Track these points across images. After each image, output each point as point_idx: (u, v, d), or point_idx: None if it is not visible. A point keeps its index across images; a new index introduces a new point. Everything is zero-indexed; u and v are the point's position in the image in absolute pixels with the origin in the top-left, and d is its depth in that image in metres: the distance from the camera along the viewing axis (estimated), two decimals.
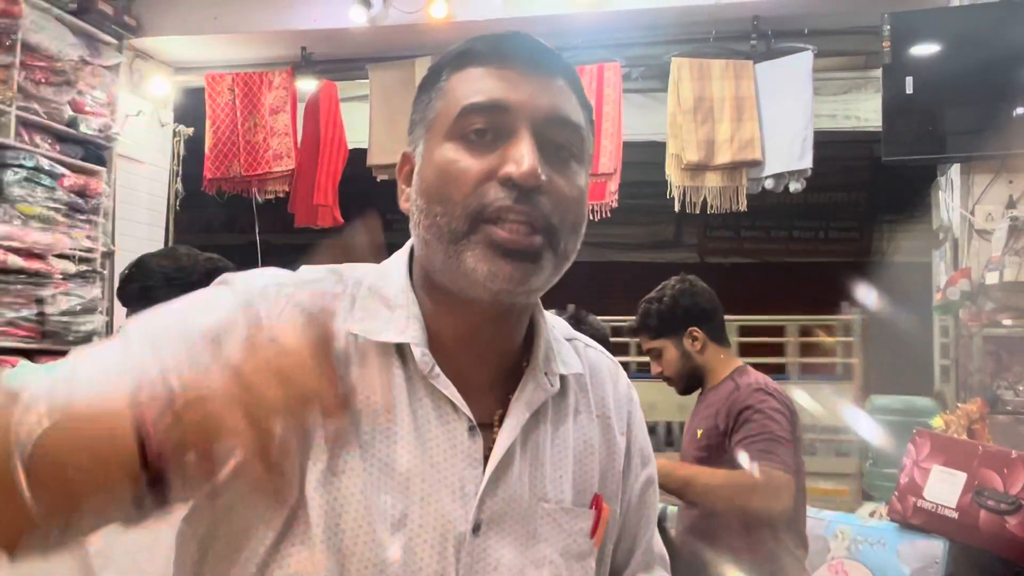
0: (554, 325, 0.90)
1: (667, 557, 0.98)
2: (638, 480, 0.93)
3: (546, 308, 0.90)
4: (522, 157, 0.75)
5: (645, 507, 0.94)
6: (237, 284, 0.79)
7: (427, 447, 0.77)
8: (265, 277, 0.81)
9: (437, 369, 0.78)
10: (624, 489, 0.91)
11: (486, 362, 0.83)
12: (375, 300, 0.81)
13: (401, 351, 0.79)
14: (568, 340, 0.92)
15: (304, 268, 0.85)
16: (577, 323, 2.16)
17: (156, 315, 0.75)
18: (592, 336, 1.00)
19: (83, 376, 0.67)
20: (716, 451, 2.16)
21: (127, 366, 0.66)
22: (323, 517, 0.73)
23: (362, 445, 0.75)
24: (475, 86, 0.79)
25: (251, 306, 0.76)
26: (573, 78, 0.83)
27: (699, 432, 2.23)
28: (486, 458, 0.79)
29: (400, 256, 0.85)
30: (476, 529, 0.77)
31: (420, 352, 0.78)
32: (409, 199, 0.82)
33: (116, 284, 1.70)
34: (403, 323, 0.80)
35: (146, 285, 1.62)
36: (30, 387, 0.64)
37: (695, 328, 2.30)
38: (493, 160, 0.76)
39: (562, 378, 0.86)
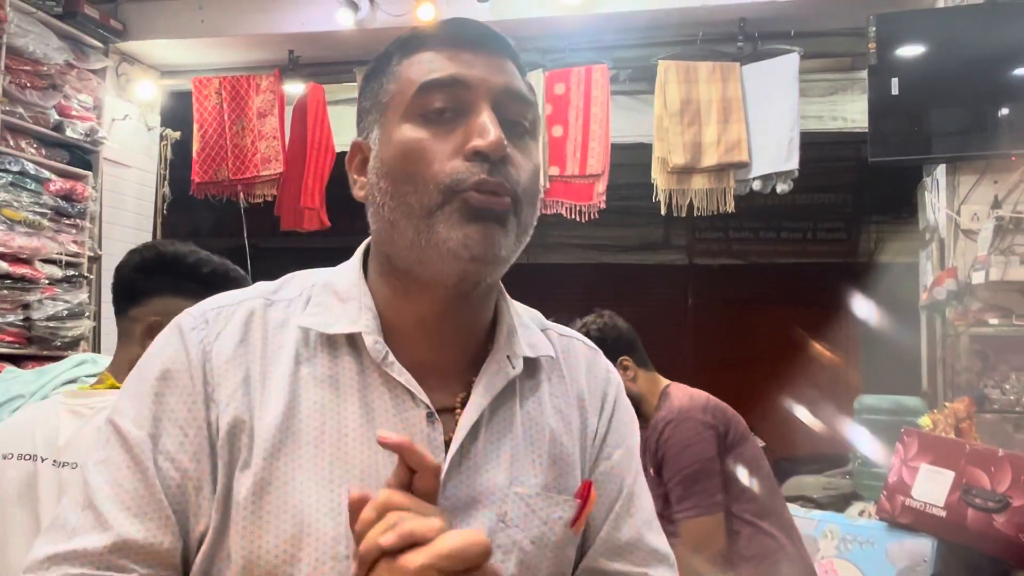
0: (521, 313, 0.90)
1: (672, 557, 0.91)
2: (609, 459, 0.89)
3: (553, 312, 0.90)
4: (488, 129, 0.76)
5: (613, 487, 0.88)
6: (184, 326, 0.81)
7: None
8: (207, 302, 0.83)
9: (391, 357, 0.78)
10: (594, 468, 0.88)
11: (448, 348, 0.82)
12: (328, 295, 0.83)
13: (355, 342, 0.80)
14: (543, 330, 0.91)
15: (257, 283, 0.87)
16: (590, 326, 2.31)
17: (136, 406, 0.78)
18: (606, 333, 0.98)
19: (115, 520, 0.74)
20: (657, 491, 2.12)
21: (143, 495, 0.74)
22: (254, 527, 0.74)
23: (312, 443, 0.76)
24: (430, 66, 0.79)
25: (194, 343, 0.79)
26: (519, 61, 0.84)
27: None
28: (447, 442, 0.78)
29: (355, 254, 0.87)
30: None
31: (372, 340, 0.79)
32: (365, 187, 0.83)
33: (112, 282, 1.64)
34: (355, 314, 0.80)
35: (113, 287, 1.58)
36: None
37: (625, 357, 2.28)
38: (457, 136, 0.77)
39: (532, 361, 0.85)
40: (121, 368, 1.50)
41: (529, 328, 0.89)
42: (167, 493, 0.75)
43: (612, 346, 2.26)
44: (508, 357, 0.83)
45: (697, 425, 2.12)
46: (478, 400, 0.80)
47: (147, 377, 0.79)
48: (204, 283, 1.52)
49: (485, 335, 0.85)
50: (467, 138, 0.77)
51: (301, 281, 0.85)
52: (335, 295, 0.82)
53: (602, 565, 0.87)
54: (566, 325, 0.97)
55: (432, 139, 0.77)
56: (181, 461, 0.75)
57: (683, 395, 2.23)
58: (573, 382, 0.89)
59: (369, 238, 0.86)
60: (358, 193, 0.84)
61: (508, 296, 0.87)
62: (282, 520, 0.74)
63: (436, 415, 0.78)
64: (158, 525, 0.74)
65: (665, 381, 2.32)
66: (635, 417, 0.95)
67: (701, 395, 2.23)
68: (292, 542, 0.73)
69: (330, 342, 0.80)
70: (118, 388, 1.50)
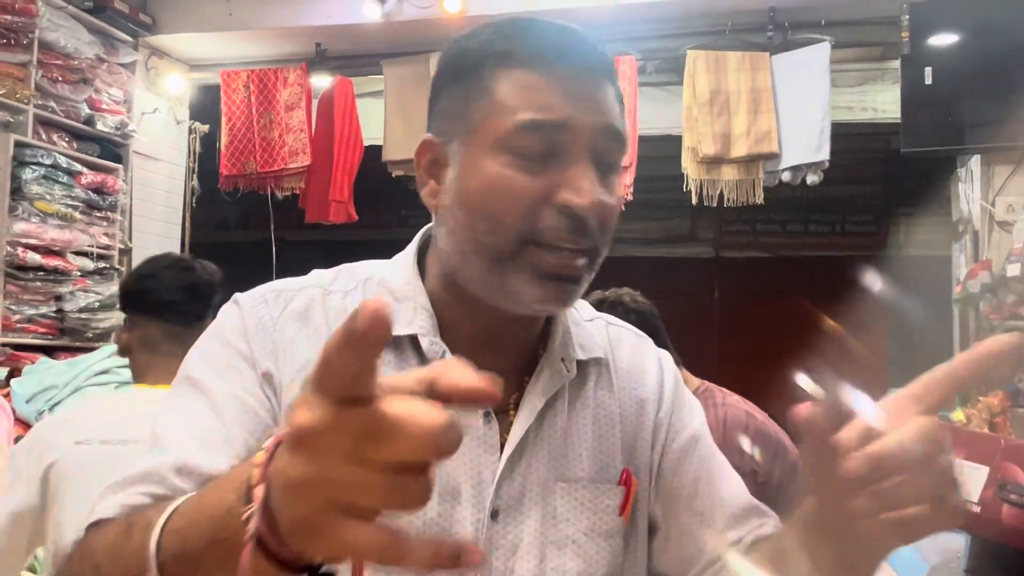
0: (575, 307, 0.88)
1: (764, 507, 0.89)
2: (677, 443, 0.88)
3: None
4: (584, 187, 0.72)
5: (694, 468, 0.88)
6: (242, 301, 0.82)
7: None
8: (266, 286, 0.83)
9: (450, 355, 0.78)
10: (663, 457, 0.87)
11: (502, 350, 0.82)
12: (384, 293, 0.82)
13: (415, 343, 0.79)
14: (589, 320, 0.91)
15: (314, 271, 0.86)
16: (616, 305, 1.94)
17: (204, 360, 0.79)
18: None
19: (190, 450, 0.72)
20: None
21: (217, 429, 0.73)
22: None
23: None
24: (531, 98, 0.74)
25: (255, 319, 0.79)
26: (612, 72, 0.80)
27: None
28: (502, 443, 0.79)
29: (409, 249, 0.85)
30: (494, 515, 0.77)
31: (428, 342, 0.78)
32: (437, 195, 0.79)
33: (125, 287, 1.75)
34: (410, 314, 0.79)
35: (170, 300, 1.66)
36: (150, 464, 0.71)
37: None
38: (548, 181, 0.73)
39: (582, 363, 0.85)
40: None
41: (579, 324, 0.88)
42: (245, 420, 0.74)
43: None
44: (563, 360, 0.83)
45: (734, 450, 1.77)
46: (533, 403, 0.81)
47: (217, 341, 0.80)
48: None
49: (538, 335, 0.84)
50: (559, 185, 0.73)
51: (354, 273, 0.85)
52: (390, 293, 0.81)
53: (708, 540, 0.86)
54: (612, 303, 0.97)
55: (522, 180, 0.73)
56: (270, 407, 0.76)
57: (715, 419, 1.84)
58: (623, 373, 0.89)
59: (426, 230, 0.84)
60: (429, 200, 0.80)
61: None
62: None
63: (493, 415, 0.78)
64: (226, 456, 0.71)
65: (695, 382, 2.03)
66: (694, 399, 0.94)
67: (739, 417, 1.87)
68: None
69: (394, 341, 0.78)
70: None
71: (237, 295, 0.83)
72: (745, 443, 1.83)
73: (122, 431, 1.47)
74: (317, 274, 0.85)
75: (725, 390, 2.05)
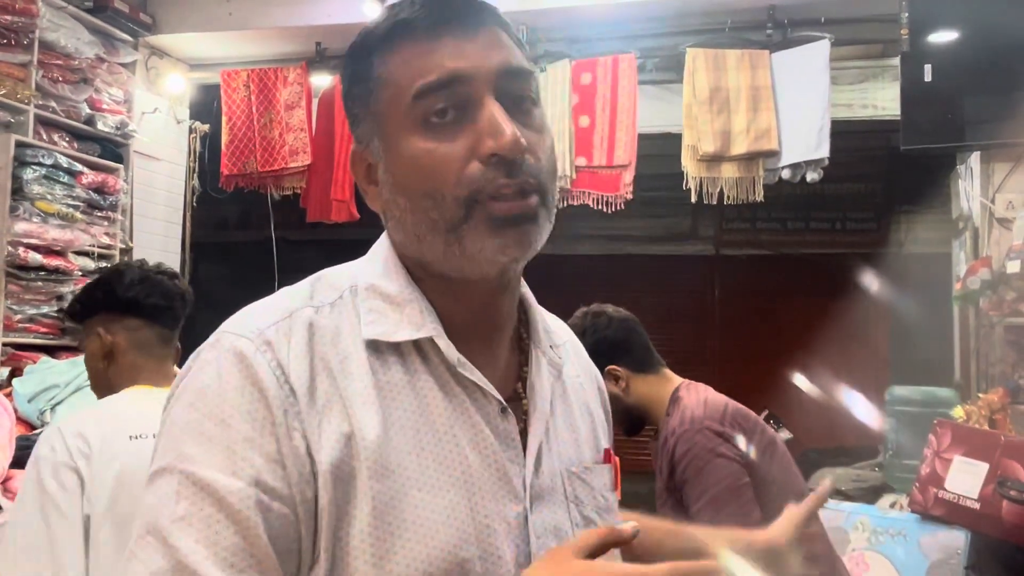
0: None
1: None
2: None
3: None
4: (500, 128, 0.72)
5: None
6: (243, 349, 0.72)
7: (469, 438, 0.76)
8: (253, 319, 0.75)
9: (463, 358, 0.77)
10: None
11: (495, 339, 0.82)
12: (377, 300, 0.78)
13: (420, 346, 0.77)
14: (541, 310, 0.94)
15: (283, 289, 0.80)
16: (599, 315, 2.03)
17: (202, 447, 0.69)
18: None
19: None
20: (674, 500, 1.87)
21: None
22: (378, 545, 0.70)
23: (414, 452, 0.73)
24: (419, 64, 0.74)
25: (266, 365, 0.71)
26: (503, 21, 0.79)
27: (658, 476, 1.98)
28: (520, 432, 0.80)
29: (386, 251, 0.81)
30: (531, 507, 0.78)
31: (445, 344, 0.76)
32: (379, 198, 0.79)
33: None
34: (418, 318, 0.77)
35: (167, 305, 1.71)
36: None
37: (613, 367, 1.96)
38: (466, 137, 0.73)
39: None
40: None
41: (545, 312, 0.91)
42: (279, 537, 0.68)
43: (593, 357, 1.78)
44: (551, 347, 0.86)
45: (712, 439, 1.82)
46: (542, 392, 0.82)
47: (217, 414, 0.69)
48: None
49: (516, 321, 0.86)
50: (478, 137, 0.72)
51: (332, 282, 0.80)
52: (385, 299, 0.78)
53: None
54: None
55: (441, 146, 0.73)
56: (289, 496, 0.69)
57: (696, 400, 1.91)
58: (578, 357, 0.95)
59: (383, 238, 0.83)
60: (374, 205, 0.80)
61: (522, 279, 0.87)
62: (409, 539, 0.71)
63: (509, 409, 0.78)
64: None
65: (676, 380, 2.01)
66: None
67: (718, 401, 1.92)
68: (425, 559, 0.70)
69: (397, 349, 0.76)
70: None
71: (232, 345, 0.72)
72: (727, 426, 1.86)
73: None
74: (292, 292, 0.79)
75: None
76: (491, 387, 0.77)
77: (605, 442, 0.91)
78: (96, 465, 1.47)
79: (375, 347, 0.75)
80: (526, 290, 0.87)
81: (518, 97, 0.76)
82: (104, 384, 1.70)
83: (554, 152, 0.79)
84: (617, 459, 0.90)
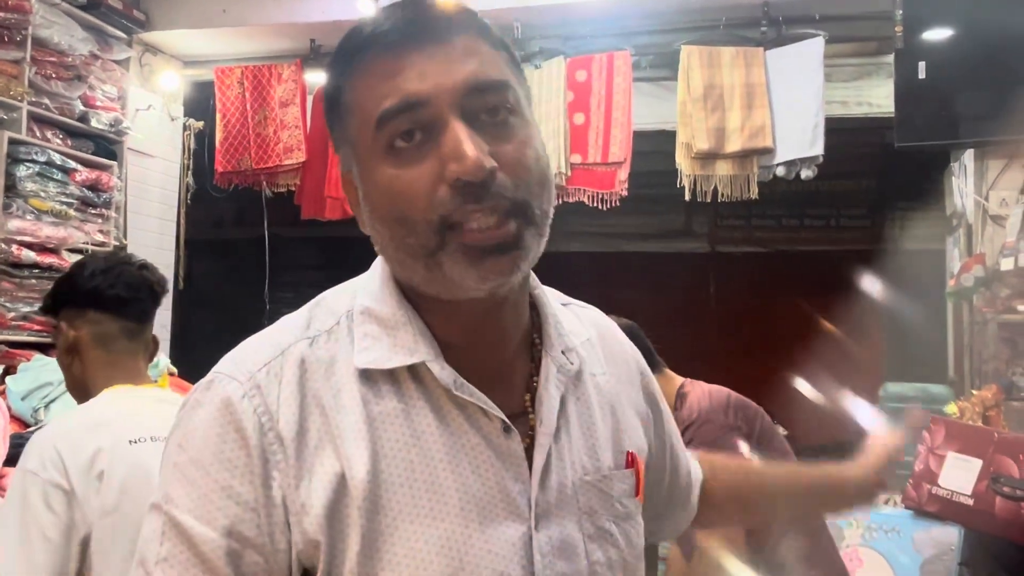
0: (549, 293, 0.88)
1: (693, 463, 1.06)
2: (660, 424, 0.97)
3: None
4: (461, 152, 0.68)
5: (666, 449, 0.98)
6: (231, 394, 0.73)
7: (466, 461, 0.74)
8: (247, 358, 0.75)
9: (460, 379, 0.75)
10: (657, 439, 0.95)
11: (499, 352, 0.80)
12: (371, 325, 0.76)
13: (415, 371, 0.75)
14: (564, 305, 0.91)
15: (283, 319, 0.80)
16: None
17: (187, 492, 0.71)
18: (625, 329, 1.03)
19: None
20: None
21: None
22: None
23: (406, 484, 0.73)
24: (381, 89, 0.71)
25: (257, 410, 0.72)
26: (477, 25, 0.74)
27: None
28: (525, 449, 0.77)
29: (382, 270, 0.79)
30: (536, 524, 0.76)
31: (439, 367, 0.74)
32: (365, 223, 0.77)
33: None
34: (411, 342, 0.75)
35: (133, 297, 1.62)
36: None
37: None
38: (432, 163, 0.70)
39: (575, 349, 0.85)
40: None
41: (562, 311, 0.88)
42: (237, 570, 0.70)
43: None
44: (563, 352, 0.82)
45: (718, 429, 2.00)
46: (550, 406, 0.79)
47: (199, 460, 0.71)
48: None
49: (528, 322, 0.83)
50: (443, 162, 0.69)
51: (330, 308, 0.79)
52: (379, 323, 0.76)
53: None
54: None
55: (408, 171, 0.70)
56: (262, 545, 0.70)
57: (702, 395, 2.08)
58: (608, 354, 0.90)
59: (379, 260, 0.81)
60: (363, 228, 0.78)
61: (536, 279, 0.84)
62: (401, 573, 0.71)
63: (511, 425, 0.76)
64: None
65: (679, 380, 2.16)
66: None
67: (721, 393, 2.09)
68: None
69: (390, 375, 0.75)
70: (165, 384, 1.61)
71: (222, 389, 0.73)
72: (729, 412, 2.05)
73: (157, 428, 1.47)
74: (289, 322, 0.79)
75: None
76: (492, 406, 0.75)
77: (629, 442, 0.86)
78: (98, 479, 1.41)
79: (368, 376, 0.74)
80: (540, 291, 0.84)
81: (491, 110, 0.72)
82: (77, 384, 1.63)
83: (541, 160, 0.74)
84: (641, 462, 0.86)
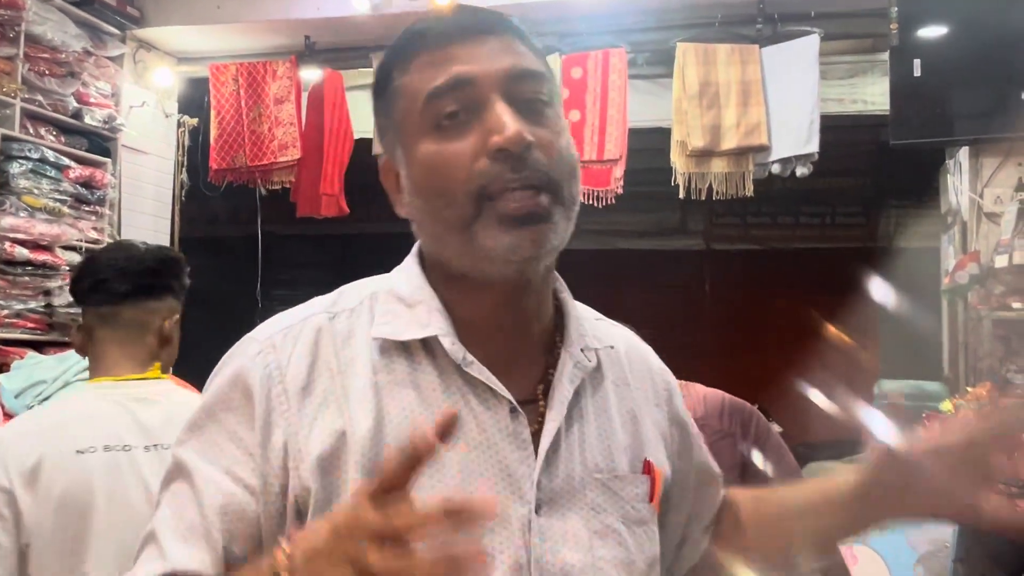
0: (576, 305, 0.90)
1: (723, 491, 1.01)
2: (694, 457, 0.96)
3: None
4: (503, 123, 0.74)
5: (693, 465, 0.97)
6: (248, 350, 0.81)
7: (471, 437, 0.77)
8: (275, 323, 0.83)
9: (469, 356, 0.78)
10: (682, 461, 0.94)
11: (519, 338, 0.83)
12: (393, 302, 0.82)
13: (429, 346, 0.79)
14: (597, 319, 0.94)
15: (316, 297, 0.86)
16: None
17: (194, 434, 0.79)
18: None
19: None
20: None
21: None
22: None
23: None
24: (430, 72, 0.77)
25: (266, 367, 0.79)
26: (518, 30, 0.82)
27: None
28: (533, 434, 0.79)
29: (410, 257, 0.86)
30: (538, 509, 0.77)
31: (450, 342, 0.78)
32: (404, 204, 0.83)
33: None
34: (425, 317, 0.79)
35: (98, 279, 1.56)
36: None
37: None
38: (475, 137, 0.76)
39: (598, 354, 0.87)
40: (137, 357, 1.56)
41: (590, 321, 0.91)
42: (238, 519, 0.75)
43: None
44: (582, 350, 0.84)
45: (713, 435, 1.96)
46: (562, 394, 0.81)
47: (210, 407, 0.79)
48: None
49: (551, 322, 0.86)
50: (485, 136, 0.75)
51: (357, 290, 0.85)
52: (400, 301, 0.82)
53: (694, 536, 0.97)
54: None
55: (451, 145, 0.76)
56: (254, 486, 0.76)
57: (696, 400, 2.06)
58: (633, 368, 0.92)
59: (416, 245, 0.87)
60: (401, 211, 0.84)
61: (564, 285, 0.88)
62: None
63: (519, 409, 0.78)
64: (206, 554, 0.74)
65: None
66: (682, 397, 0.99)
67: (716, 397, 2.08)
68: None
69: (405, 348, 0.79)
70: (161, 377, 1.57)
71: (243, 346, 0.82)
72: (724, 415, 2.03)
73: (121, 436, 1.42)
74: (319, 300, 0.85)
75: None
76: (501, 387, 0.78)
77: (649, 453, 0.87)
78: (37, 489, 1.34)
79: (383, 346, 0.79)
80: (567, 296, 0.88)
81: (529, 99, 0.78)
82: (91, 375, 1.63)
83: (572, 149, 0.80)
84: (659, 471, 0.87)
